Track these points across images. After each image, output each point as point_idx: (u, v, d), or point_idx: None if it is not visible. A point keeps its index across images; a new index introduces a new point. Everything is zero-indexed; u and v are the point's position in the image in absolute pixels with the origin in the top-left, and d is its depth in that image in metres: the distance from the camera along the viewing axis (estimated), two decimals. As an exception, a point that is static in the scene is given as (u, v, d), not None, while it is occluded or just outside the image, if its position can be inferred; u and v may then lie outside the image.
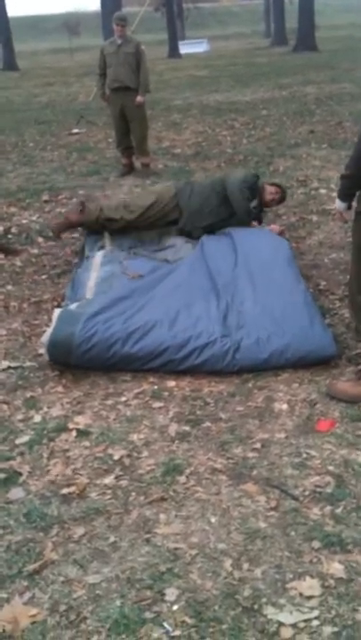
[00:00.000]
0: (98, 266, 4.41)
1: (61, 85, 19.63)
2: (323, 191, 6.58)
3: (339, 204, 3.18)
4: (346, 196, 3.13)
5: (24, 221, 6.30)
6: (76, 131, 11.03)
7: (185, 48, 31.25)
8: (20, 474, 2.70)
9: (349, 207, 3.14)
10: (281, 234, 4.85)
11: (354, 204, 3.10)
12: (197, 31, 45.25)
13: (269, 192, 5.10)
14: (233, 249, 4.46)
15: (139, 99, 7.61)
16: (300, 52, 25.06)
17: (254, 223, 4.94)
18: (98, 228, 4.97)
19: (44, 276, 4.89)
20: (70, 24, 44.15)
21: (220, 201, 4.86)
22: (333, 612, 1.99)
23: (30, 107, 14.68)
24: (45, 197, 6.97)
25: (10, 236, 5.84)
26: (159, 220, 4.97)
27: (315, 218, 5.83)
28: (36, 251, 5.45)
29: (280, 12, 31.35)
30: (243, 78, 17.68)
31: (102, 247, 4.83)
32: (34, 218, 6.38)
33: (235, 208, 4.82)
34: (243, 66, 21.93)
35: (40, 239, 5.71)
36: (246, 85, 16.05)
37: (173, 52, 29.33)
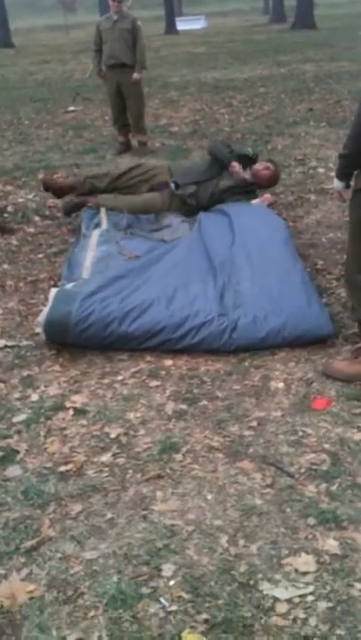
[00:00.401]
0: (94, 245, 4.40)
1: (57, 63, 19.42)
2: (321, 170, 6.55)
3: (337, 184, 3.16)
4: (344, 175, 3.10)
5: (20, 200, 6.26)
6: (72, 108, 10.92)
7: (182, 24, 30.92)
8: (18, 452, 2.71)
9: (348, 186, 3.12)
10: (273, 204, 4.90)
11: (352, 182, 3.08)
12: (195, 7, 44.73)
13: (261, 164, 5.23)
14: (230, 228, 4.44)
15: (135, 76, 7.54)
16: (299, 30, 24.81)
17: (234, 164, 5.09)
18: (86, 190, 5.22)
19: (40, 255, 4.87)
20: (66, 1, 43.60)
21: (209, 164, 5.21)
22: (328, 588, 2.01)
23: (26, 84, 14.53)
24: (41, 176, 6.91)
25: (6, 215, 5.80)
26: (148, 180, 5.17)
27: (313, 197, 5.80)
28: (32, 229, 5.42)
29: (279, -12, 30.97)
30: (241, 55, 17.51)
31: (98, 226, 4.81)
32: (30, 196, 6.34)
33: (217, 154, 5.15)
34: (241, 43, 21.70)
35: (36, 218, 5.68)
36: (244, 63, 15.90)
37: (170, 28, 29.01)
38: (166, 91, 12.18)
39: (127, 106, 7.73)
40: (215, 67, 15.56)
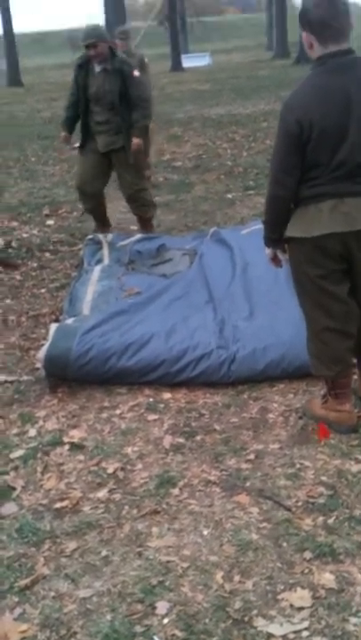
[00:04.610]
0: (96, 280, 4.45)
1: (64, 100, 19.71)
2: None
3: (268, 252, 2.90)
4: (271, 240, 2.85)
5: (25, 235, 6.35)
6: (77, 145, 11.08)
7: (188, 62, 31.49)
8: (14, 488, 2.71)
9: (283, 250, 2.85)
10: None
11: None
12: (200, 44, 45.54)
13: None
14: (232, 262, 4.48)
15: (140, 112, 7.67)
16: (302, 65, 25.16)
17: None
18: None
19: (42, 290, 4.92)
20: (74, 40, 44.52)
21: None
22: (323, 623, 1.98)
23: (34, 122, 14.80)
24: (46, 212, 7.02)
25: (10, 250, 5.88)
26: None
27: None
28: (35, 264, 5.49)
29: (282, 24, 31.53)
30: (244, 91, 17.79)
31: (100, 261, 4.86)
32: (34, 232, 6.43)
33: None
34: (244, 79, 22.07)
35: (40, 253, 5.75)
36: (247, 98, 16.15)
37: (176, 65, 29.57)
38: (170, 126, 12.37)
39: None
40: (219, 103, 15.81)
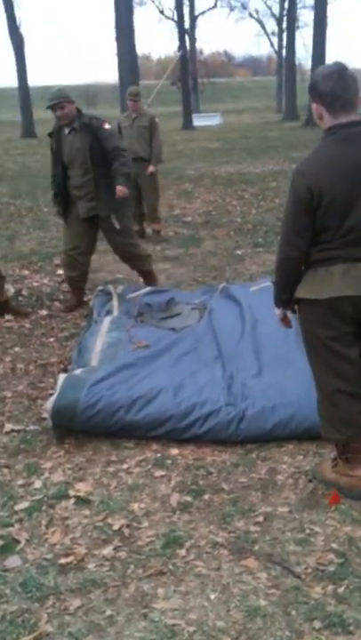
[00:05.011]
0: (105, 331, 4.46)
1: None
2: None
3: (278, 312, 2.94)
4: (281, 301, 2.89)
5: (35, 284, 6.40)
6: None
7: (199, 121, 32.24)
8: (18, 541, 2.66)
9: (293, 311, 2.89)
10: None
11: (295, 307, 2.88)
12: (211, 105, 46.74)
13: None
14: (241, 318, 4.51)
15: (150, 168, 7.86)
16: (311, 128, 25.76)
17: None
18: None
19: (51, 339, 4.93)
20: (89, 95, 45.79)
21: None
22: None
23: (47, 173, 14.91)
24: (57, 261, 7.08)
25: (20, 298, 5.91)
26: None
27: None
28: (45, 312, 5.51)
29: (292, 88, 32.49)
30: (254, 151, 18.17)
31: (110, 312, 4.89)
32: (45, 281, 6.49)
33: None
34: (254, 139, 22.56)
35: (50, 302, 5.78)
36: (257, 158, 16.48)
37: (188, 124, 30.27)
38: (181, 182, 12.59)
39: (143, 197, 7.99)
40: (229, 161, 16.13)
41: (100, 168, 5.25)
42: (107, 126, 5.30)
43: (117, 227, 5.36)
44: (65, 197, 5.42)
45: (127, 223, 5.58)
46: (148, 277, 5.92)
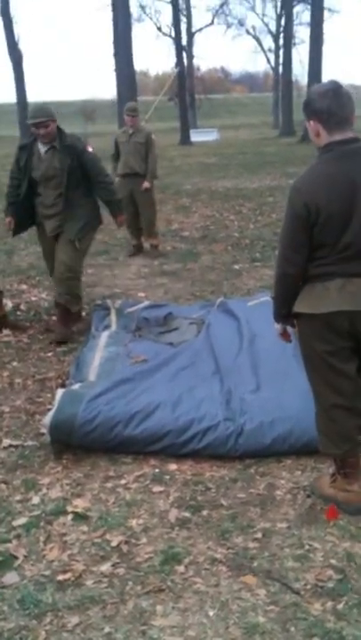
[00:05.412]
0: (103, 346, 4.47)
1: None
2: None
3: (277, 327, 2.96)
4: (280, 316, 2.90)
5: (33, 298, 6.40)
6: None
7: (196, 136, 32.43)
8: (16, 557, 2.65)
9: (292, 325, 2.91)
10: None
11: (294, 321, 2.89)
12: (208, 120, 47.05)
13: None
14: (239, 333, 4.51)
15: (145, 184, 7.90)
16: (308, 143, 25.94)
17: None
18: None
19: (49, 354, 4.93)
20: (87, 111, 46.12)
21: None
22: None
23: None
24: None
25: (18, 313, 5.92)
26: None
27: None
28: (43, 327, 5.50)
29: (288, 104, 32.76)
30: (251, 166, 18.27)
31: (108, 327, 4.89)
32: (43, 295, 6.49)
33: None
34: (251, 154, 22.69)
35: (47, 316, 5.78)
36: (254, 173, 16.57)
37: (185, 139, 30.45)
38: (179, 197, 12.64)
39: (140, 212, 8.02)
40: (226, 176, 16.21)
41: (74, 191, 5.08)
42: (90, 149, 5.17)
43: (77, 246, 5.18)
44: (32, 215, 5.27)
45: (86, 245, 5.38)
46: (66, 321, 5.24)
